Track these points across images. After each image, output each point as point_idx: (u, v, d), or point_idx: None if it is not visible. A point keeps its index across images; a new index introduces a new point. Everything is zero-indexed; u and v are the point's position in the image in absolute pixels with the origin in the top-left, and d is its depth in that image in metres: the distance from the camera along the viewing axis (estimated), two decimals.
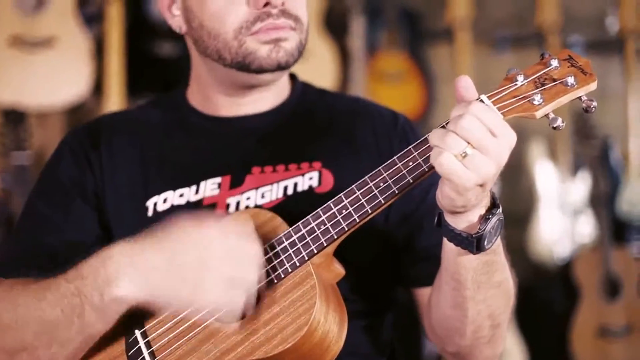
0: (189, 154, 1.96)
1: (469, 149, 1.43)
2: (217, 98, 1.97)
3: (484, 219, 1.55)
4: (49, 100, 4.05)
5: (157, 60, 4.50)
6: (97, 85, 4.19)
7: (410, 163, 1.57)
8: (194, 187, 1.89)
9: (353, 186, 1.62)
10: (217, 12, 1.84)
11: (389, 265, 1.92)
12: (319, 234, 1.63)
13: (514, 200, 4.96)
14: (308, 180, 1.88)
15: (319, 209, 1.65)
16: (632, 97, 5.13)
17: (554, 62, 1.50)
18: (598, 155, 4.85)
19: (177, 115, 2.02)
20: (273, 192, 1.86)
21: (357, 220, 1.61)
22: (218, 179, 1.89)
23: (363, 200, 1.61)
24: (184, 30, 1.95)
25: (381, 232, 1.88)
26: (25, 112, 4.15)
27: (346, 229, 1.62)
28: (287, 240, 1.65)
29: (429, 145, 1.52)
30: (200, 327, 1.64)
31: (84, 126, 2.05)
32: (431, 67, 5.21)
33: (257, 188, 1.88)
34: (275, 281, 1.64)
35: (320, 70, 4.61)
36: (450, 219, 1.57)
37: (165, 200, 1.88)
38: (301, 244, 1.64)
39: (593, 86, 1.49)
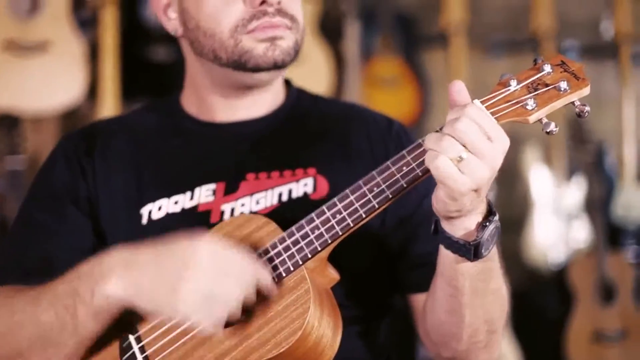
0: (183, 160, 1.95)
1: (465, 152, 1.43)
2: (212, 101, 1.97)
3: (481, 226, 1.55)
4: (43, 105, 4.04)
5: (151, 64, 4.50)
6: (91, 90, 4.18)
7: (404, 167, 1.57)
8: (188, 194, 1.89)
9: (347, 190, 1.62)
10: (213, 12, 1.85)
11: (384, 271, 1.92)
12: (313, 239, 1.63)
13: (508, 205, 4.96)
14: (303, 186, 1.87)
15: (312, 214, 1.65)
16: (627, 101, 5.14)
17: (547, 67, 1.50)
18: (593, 160, 4.86)
19: (171, 120, 2.02)
20: (267, 199, 1.86)
21: (351, 225, 1.61)
22: (212, 185, 1.89)
23: (357, 205, 1.61)
24: (180, 32, 1.95)
25: (376, 238, 1.88)
26: (19, 116, 4.14)
27: (340, 233, 1.62)
28: (280, 244, 1.65)
29: (422, 150, 1.53)
30: (194, 332, 1.64)
31: (78, 132, 2.05)
32: (426, 71, 5.21)
33: (251, 194, 1.87)
34: None
35: (315, 75, 4.61)
36: (447, 226, 1.57)
37: (160, 208, 1.88)
38: (295, 248, 1.64)
39: (586, 91, 1.49)
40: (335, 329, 1.64)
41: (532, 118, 1.48)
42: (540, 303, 5.03)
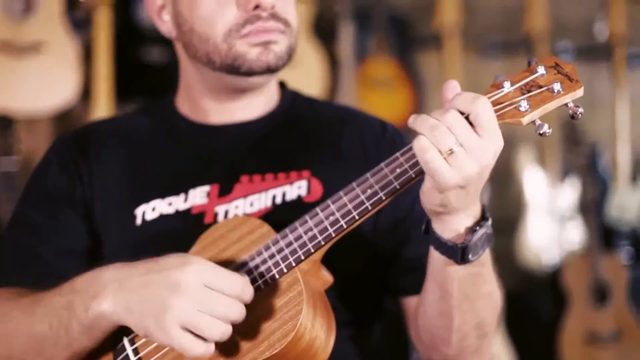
0: (177, 161, 1.95)
1: (456, 146, 1.43)
2: (206, 104, 1.97)
3: (471, 230, 1.55)
4: (37, 106, 4.03)
5: (145, 66, 4.50)
6: (85, 91, 4.17)
7: (397, 169, 1.56)
8: (182, 195, 1.89)
9: (340, 192, 1.62)
10: (207, 16, 1.84)
11: (377, 274, 1.91)
12: (306, 240, 1.63)
13: (502, 206, 4.96)
14: (297, 189, 1.87)
15: (306, 215, 1.64)
16: (621, 103, 5.14)
17: (541, 69, 1.50)
18: (587, 161, 4.86)
19: (166, 122, 2.01)
20: (262, 201, 1.86)
21: (344, 227, 1.61)
22: (207, 187, 1.89)
23: (350, 207, 1.60)
24: (174, 35, 1.95)
25: (369, 241, 1.88)
26: (13, 117, 4.14)
27: (333, 235, 1.61)
28: (274, 246, 1.65)
29: None
30: None
31: (72, 133, 2.04)
32: (420, 73, 5.22)
33: (245, 197, 1.87)
34: (263, 287, 1.63)
35: (309, 76, 4.61)
36: (436, 226, 1.57)
37: (154, 209, 1.88)
38: (288, 250, 1.63)
39: (579, 93, 1.49)
40: (328, 331, 1.63)
41: (526, 120, 1.47)
42: (534, 304, 5.03)
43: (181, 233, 1.77)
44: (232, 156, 1.93)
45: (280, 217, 1.75)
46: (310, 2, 4.75)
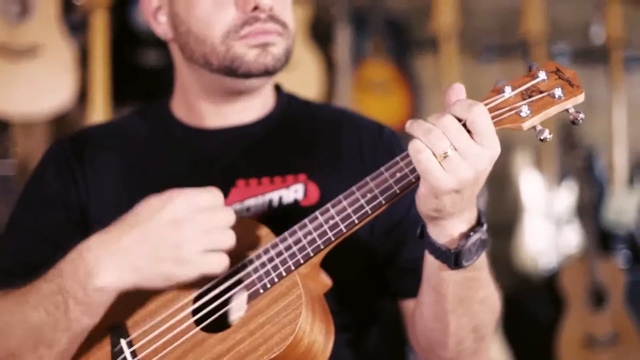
0: (173, 166, 1.94)
1: (451, 150, 1.42)
2: (202, 107, 1.96)
3: (466, 235, 1.55)
4: (33, 109, 4.03)
5: (142, 69, 4.49)
6: (81, 94, 4.17)
7: (397, 173, 1.56)
8: None
9: (340, 196, 1.62)
10: (204, 17, 1.84)
11: (375, 278, 1.91)
12: (306, 244, 1.62)
13: (499, 209, 4.97)
14: (293, 193, 1.87)
15: (305, 219, 1.64)
16: (618, 106, 5.15)
17: (542, 74, 1.50)
18: (583, 165, 4.86)
19: (161, 126, 2.01)
20: (258, 205, 1.86)
21: (344, 230, 1.61)
22: None
23: (350, 211, 1.60)
24: (170, 37, 1.94)
25: (366, 244, 1.88)
26: (9, 120, 4.13)
27: (333, 239, 1.61)
28: (273, 249, 1.65)
29: None
30: (185, 337, 1.64)
31: (68, 137, 2.04)
32: (417, 76, 5.21)
33: (242, 201, 1.87)
34: (262, 291, 1.63)
35: (305, 79, 4.61)
36: (431, 231, 1.57)
37: None
38: (287, 253, 1.63)
39: (580, 98, 1.48)
40: (327, 335, 1.63)
41: (526, 125, 1.47)
42: (531, 308, 5.03)
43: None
44: (228, 160, 1.92)
45: (277, 221, 1.74)
46: (307, 4, 4.76)
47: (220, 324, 1.65)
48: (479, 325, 1.74)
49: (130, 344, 1.67)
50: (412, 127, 1.46)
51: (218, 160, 1.93)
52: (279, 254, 1.64)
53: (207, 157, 1.94)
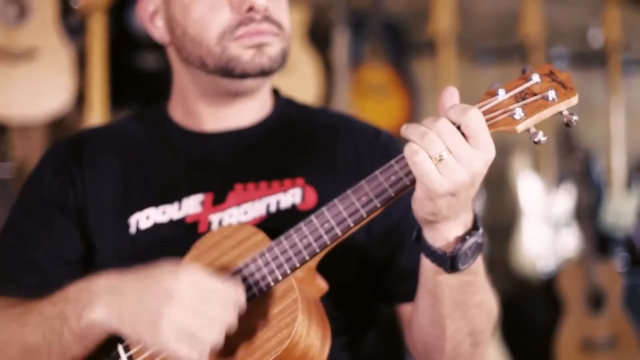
0: (171, 170, 1.94)
1: (446, 153, 1.43)
2: (199, 110, 1.96)
3: (462, 239, 1.55)
4: (31, 112, 4.02)
5: (139, 72, 4.49)
6: (79, 97, 4.17)
7: (392, 177, 1.56)
8: (176, 204, 1.88)
9: (335, 200, 1.62)
10: (200, 19, 1.84)
11: (371, 282, 1.91)
12: (301, 248, 1.62)
13: (497, 213, 4.96)
14: (291, 197, 1.87)
15: (301, 223, 1.64)
16: (616, 110, 5.15)
17: (535, 77, 1.50)
18: (581, 168, 4.86)
19: (159, 130, 2.01)
20: (256, 209, 1.85)
21: (339, 234, 1.60)
22: (200, 196, 1.88)
23: (345, 214, 1.60)
24: (167, 40, 1.95)
25: (363, 249, 1.87)
26: (6, 124, 4.13)
27: (328, 242, 1.61)
28: (269, 253, 1.64)
29: None
30: None
31: (66, 140, 2.04)
32: (415, 79, 5.21)
33: (239, 205, 1.86)
34: (258, 295, 1.63)
35: (303, 83, 4.61)
36: (427, 234, 1.58)
37: (147, 217, 1.87)
38: (283, 257, 1.63)
39: (574, 100, 1.49)
40: (323, 339, 1.63)
41: (520, 127, 1.47)
42: (529, 311, 5.03)
43: (175, 242, 1.76)
44: (226, 164, 1.92)
45: (275, 225, 1.74)
46: (305, 8, 4.75)
47: None
48: (475, 329, 1.74)
49: (127, 349, 1.67)
50: (408, 130, 1.46)
51: (216, 164, 1.93)
52: (275, 257, 1.64)
53: (204, 161, 1.94)
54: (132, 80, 4.48)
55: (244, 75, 1.85)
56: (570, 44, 5.34)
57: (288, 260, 1.63)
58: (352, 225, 1.60)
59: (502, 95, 1.49)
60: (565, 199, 5.00)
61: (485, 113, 1.48)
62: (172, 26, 1.91)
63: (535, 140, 1.46)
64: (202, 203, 1.87)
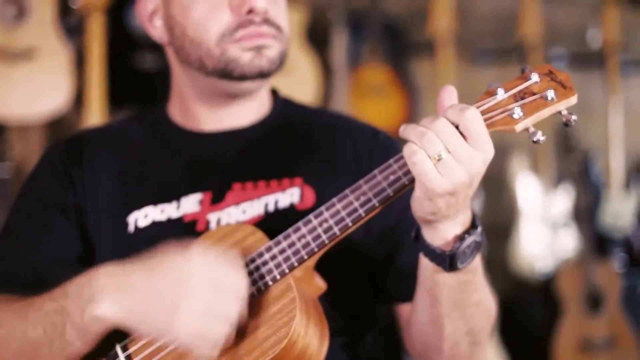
0: (169, 169, 1.94)
1: (445, 153, 1.43)
2: (198, 111, 1.96)
3: (460, 238, 1.55)
4: (30, 112, 4.02)
5: (138, 72, 4.49)
6: (78, 97, 4.16)
7: (391, 176, 1.57)
8: (174, 203, 1.88)
9: (334, 199, 1.62)
10: (200, 20, 1.84)
11: (370, 281, 1.91)
12: (300, 247, 1.63)
13: (495, 213, 4.96)
14: (289, 196, 1.87)
15: (299, 222, 1.64)
16: (614, 110, 5.15)
17: (534, 77, 1.50)
18: (580, 168, 4.86)
19: (158, 130, 2.01)
20: (254, 209, 1.85)
21: (338, 233, 1.61)
22: (199, 195, 1.88)
23: (343, 214, 1.60)
24: (165, 40, 1.95)
25: (361, 249, 1.88)
26: (5, 124, 4.13)
27: (327, 241, 1.61)
28: (267, 253, 1.65)
29: None
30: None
31: (65, 141, 2.04)
32: (414, 79, 5.21)
33: (238, 204, 1.87)
34: (256, 294, 1.63)
35: (302, 83, 4.61)
36: (426, 233, 1.58)
37: (146, 216, 1.87)
38: (281, 256, 1.63)
39: (573, 100, 1.49)
40: (321, 338, 1.63)
41: (519, 127, 1.47)
42: (527, 312, 5.03)
43: (173, 241, 1.76)
44: (225, 164, 1.93)
45: (273, 224, 1.74)
46: (304, 8, 4.75)
47: None
48: (473, 329, 1.74)
49: (124, 348, 1.66)
50: (406, 131, 1.47)
51: (214, 164, 1.93)
52: (273, 257, 1.64)
53: (203, 161, 1.94)
54: (131, 80, 4.47)
55: (242, 78, 1.86)
56: (569, 45, 5.34)
57: (286, 259, 1.63)
58: (350, 224, 1.60)
59: (501, 94, 1.49)
60: (563, 200, 5.00)
61: (483, 112, 1.48)
62: (171, 26, 1.91)
63: (534, 139, 1.46)
64: (201, 202, 1.87)
